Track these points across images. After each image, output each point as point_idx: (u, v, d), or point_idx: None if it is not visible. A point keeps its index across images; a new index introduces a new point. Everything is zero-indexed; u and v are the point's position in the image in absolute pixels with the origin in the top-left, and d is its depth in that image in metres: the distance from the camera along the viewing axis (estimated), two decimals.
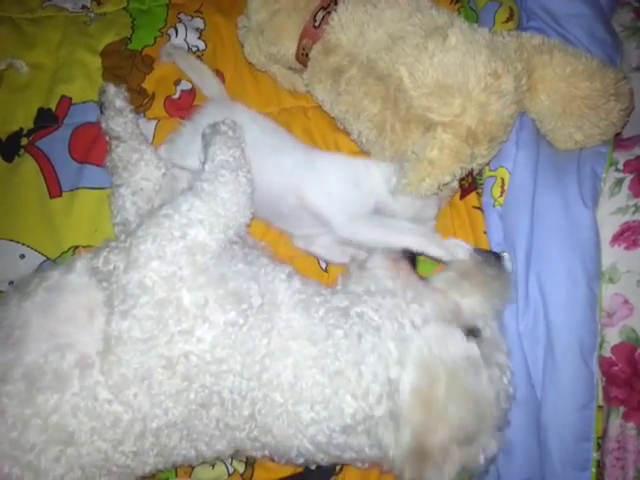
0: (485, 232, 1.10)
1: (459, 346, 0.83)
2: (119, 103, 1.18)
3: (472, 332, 0.89)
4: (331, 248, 1.11)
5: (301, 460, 0.90)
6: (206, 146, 1.03)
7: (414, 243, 0.98)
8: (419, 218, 1.07)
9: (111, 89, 1.20)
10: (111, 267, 0.89)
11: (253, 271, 0.93)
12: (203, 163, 1.01)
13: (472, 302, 0.92)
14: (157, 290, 0.85)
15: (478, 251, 0.98)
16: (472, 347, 0.83)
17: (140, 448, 0.87)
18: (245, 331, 0.86)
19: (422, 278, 0.97)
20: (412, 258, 0.99)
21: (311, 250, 1.12)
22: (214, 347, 0.84)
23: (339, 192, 1.05)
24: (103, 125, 1.19)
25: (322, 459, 0.89)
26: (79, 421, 0.84)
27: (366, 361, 0.84)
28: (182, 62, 1.29)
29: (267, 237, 1.17)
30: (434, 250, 0.97)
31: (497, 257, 0.97)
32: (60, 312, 0.90)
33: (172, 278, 0.86)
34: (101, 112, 1.20)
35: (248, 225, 1.00)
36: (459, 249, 0.97)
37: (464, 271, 0.94)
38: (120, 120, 1.17)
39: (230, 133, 1.04)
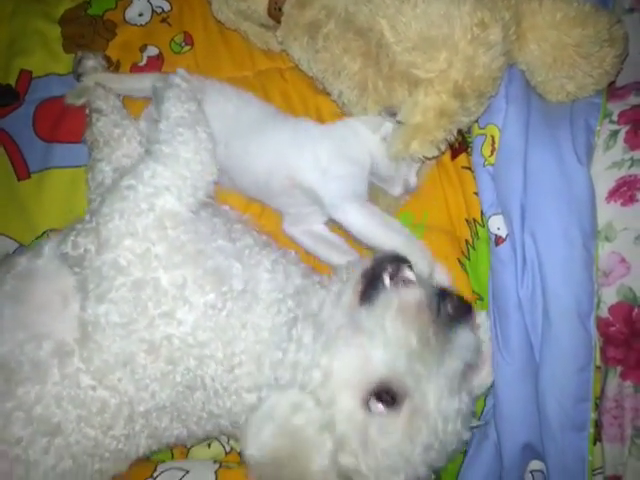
0: (476, 193, 1.06)
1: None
2: (99, 75, 1.12)
3: (381, 395, 0.75)
4: (318, 240, 1.07)
5: None
6: (158, 103, 0.97)
7: (401, 244, 0.92)
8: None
9: (89, 60, 1.14)
10: (81, 251, 0.85)
11: (236, 248, 0.89)
12: (157, 122, 0.94)
13: (393, 357, 0.75)
14: (132, 270, 0.81)
15: (447, 294, 0.79)
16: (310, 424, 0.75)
17: (131, 431, 0.85)
18: (224, 317, 0.83)
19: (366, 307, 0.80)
20: (373, 277, 0.82)
21: (298, 239, 1.08)
22: (195, 330, 0.82)
23: (332, 167, 1.00)
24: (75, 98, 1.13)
25: None
26: (64, 410, 0.82)
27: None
28: (111, 84, 1.14)
29: (249, 211, 1.11)
30: (418, 258, 0.89)
31: (466, 309, 0.79)
32: (32, 300, 0.87)
33: (147, 255, 0.82)
34: (78, 80, 1.14)
35: (215, 183, 0.93)
36: (440, 275, 0.93)
37: (409, 307, 0.77)
38: (101, 92, 1.11)
39: (183, 85, 0.98)
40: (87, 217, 0.89)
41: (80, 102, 1.14)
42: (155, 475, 0.97)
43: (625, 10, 1.17)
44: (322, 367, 0.78)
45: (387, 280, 0.81)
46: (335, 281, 0.90)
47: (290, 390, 0.79)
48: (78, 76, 1.15)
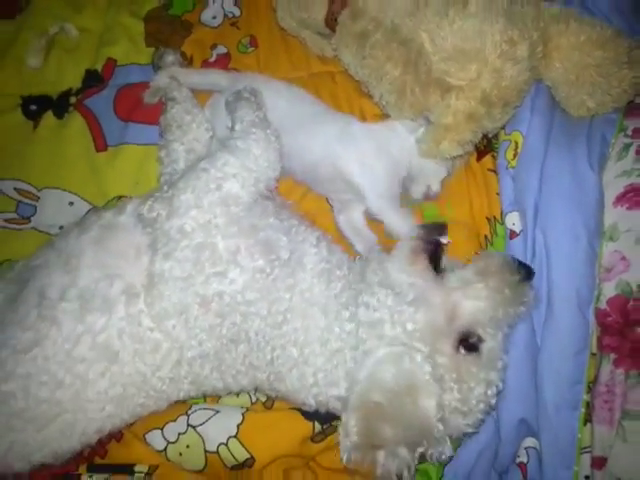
0: (498, 193, 1.16)
1: (406, 370, 0.84)
2: (174, 69, 1.28)
3: (466, 340, 0.87)
4: (357, 230, 1.18)
5: (307, 408, 0.98)
6: (232, 112, 1.12)
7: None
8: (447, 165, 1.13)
9: (169, 55, 1.32)
10: (154, 214, 0.99)
11: (284, 226, 1.01)
12: (232, 126, 1.10)
13: (476, 307, 0.88)
14: (195, 235, 0.95)
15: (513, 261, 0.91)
16: (420, 372, 0.84)
17: (176, 375, 0.97)
18: (271, 280, 0.94)
19: (439, 273, 0.93)
20: (434, 251, 0.95)
21: (341, 226, 1.19)
22: (244, 289, 0.93)
23: (373, 163, 1.12)
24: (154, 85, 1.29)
25: (324, 411, 0.97)
26: (123, 343, 0.94)
27: (360, 348, 0.90)
28: (180, 77, 1.29)
29: (295, 192, 1.24)
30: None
31: (527, 270, 0.91)
32: (112, 247, 1.01)
33: (208, 225, 0.95)
34: (155, 71, 1.31)
35: (277, 180, 1.07)
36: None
37: (484, 270, 0.90)
38: (175, 84, 1.27)
39: (252, 98, 1.13)
40: (165, 188, 1.02)
41: (156, 100, 1.30)
42: (189, 412, 1.09)
43: None
44: (414, 320, 0.87)
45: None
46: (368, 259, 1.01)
47: (393, 343, 0.87)
48: (157, 68, 1.32)
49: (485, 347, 0.87)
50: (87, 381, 0.94)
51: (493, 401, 0.87)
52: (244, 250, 0.95)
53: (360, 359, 0.89)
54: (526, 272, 0.90)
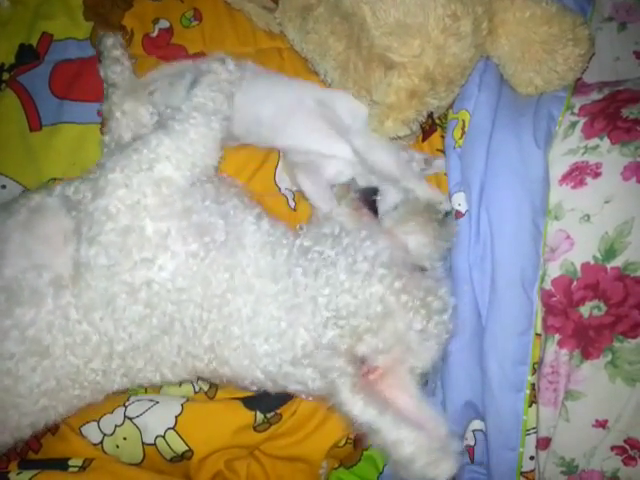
0: (446, 174, 1.14)
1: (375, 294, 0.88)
2: (115, 52, 1.21)
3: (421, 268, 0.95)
4: (322, 191, 1.12)
5: (254, 388, 0.96)
6: (193, 82, 1.06)
7: (416, 186, 1.04)
8: None
9: (109, 39, 1.23)
10: (80, 196, 0.94)
11: (221, 209, 0.97)
12: (183, 98, 1.04)
13: (417, 242, 0.98)
14: (121, 217, 0.90)
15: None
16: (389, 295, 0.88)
17: (108, 368, 0.93)
18: (207, 264, 0.90)
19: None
20: (373, 203, 1.05)
21: (303, 187, 1.13)
22: (175, 276, 0.89)
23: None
24: (101, 73, 1.21)
25: (270, 387, 0.95)
26: (53, 336, 0.90)
27: (321, 293, 0.89)
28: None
29: (243, 173, 1.19)
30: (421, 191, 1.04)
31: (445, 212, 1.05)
32: (39, 232, 0.95)
33: (136, 206, 0.90)
34: (99, 60, 1.23)
35: (216, 168, 1.03)
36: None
37: (412, 210, 1.01)
38: (117, 68, 1.20)
39: (222, 74, 1.07)
40: (93, 168, 0.98)
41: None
42: (127, 404, 1.05)
43: (604, 18, 1.25)
44: (373, 249, 0.92)
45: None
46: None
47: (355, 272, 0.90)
48: (99, 54, 1.22)
49: (431, 272, 0.96)
50: (17, 377, 0.90)
51: (449, 326, 0.92)
52: (175, 233, 0.90)
53: (335, 293, 0.88)
54: (447, 211, 1.03)
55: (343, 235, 0.95)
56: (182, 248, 0.90)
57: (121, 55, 1.21)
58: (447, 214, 1.04)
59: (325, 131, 1.09)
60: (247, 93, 1.11)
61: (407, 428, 0.80)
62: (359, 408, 0.82)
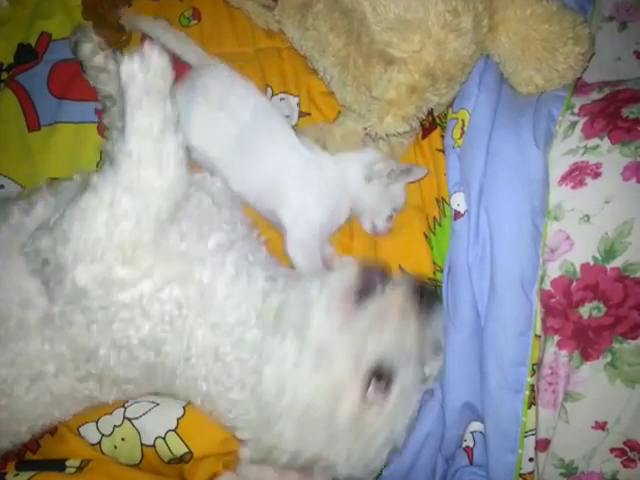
0: (446, 174, 1.14)
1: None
2: (97, 60, 1.18)
3: (379, 376, 0.78)
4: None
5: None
6: (125, 102, 0.84)
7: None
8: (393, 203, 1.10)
9: (85, 46, 1.18)
10: (41, 259, 0.86)
11: (200, 250, 0.88)
12: (123, 126, 0.85)
13: (382, 341, 0.79)
14: (91, 288, 0.82)
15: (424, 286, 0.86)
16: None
17: (103, 387, 0.93)
18: (181, 321, 0.85)
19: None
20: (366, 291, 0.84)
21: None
22: (153, 332, 0.85)
23: (312, 209, 1.05)
24: (91, 83, 1.19)
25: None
26: (44, 363, 0.89)
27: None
28: (150, 30, 1.19)
29: None
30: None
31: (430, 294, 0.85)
32: (21, 260, 0.90)
33: (104, 279, 0.82)
34: (83, 71, 1.20)
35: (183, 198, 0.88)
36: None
37: (388, 304, 0.82)
38: (104, 77, 1.17)
39: (148, 77, 0.82)
40: (54, 219, 0.86)
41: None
42: (126, 405, 1.03)
43: (605, 18, 1.24)
44: (316, 372, 0.79)
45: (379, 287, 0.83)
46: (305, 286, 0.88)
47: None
48: (81, 65, 1.19)
49: (396, 388, 0.78)
50: (12, 397, 0.90)
51: (385, 457, 0.82)
52: (149, 295, 0.84)
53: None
54: (429, 296, 0.84)
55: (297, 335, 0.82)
56: (157, 309, 0.84)
57: (104, 60, 1.17)
58: (430, 300, 0.84)
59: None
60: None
61: None
62: None
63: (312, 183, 1.07)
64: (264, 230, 1.06)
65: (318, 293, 0.83)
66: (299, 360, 0.80)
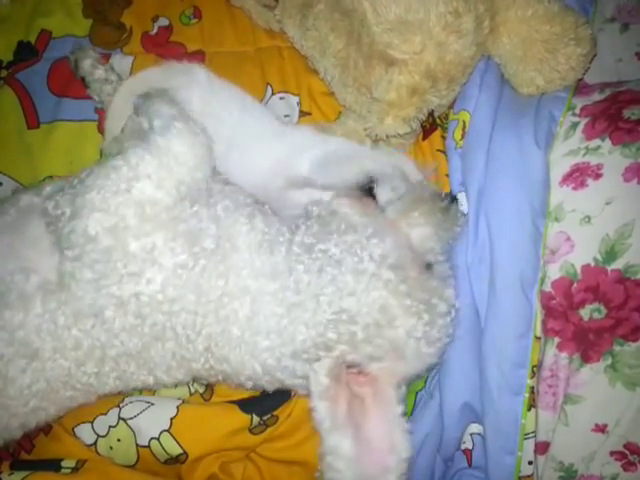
0: (447, 175, 1.13)
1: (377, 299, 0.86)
2: (99, 73, 1.18)
3: (427, 266, 0.92)
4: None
5: (249, 384, 0.94)
6: (146, 110, 0.98)
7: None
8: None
9: (85, 61, 1.18)
10: (59, 212, 0.89)
11: (211, 213, 0.93)
12: (150, 123, 0.95)
13: (421, 234, 0.93)
14: (101, 239, 0.85)
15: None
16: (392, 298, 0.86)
17: (101, 370, 0.92)
18: (197, 272, 0.87)
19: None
20: (370, 190, 0.99)
21: None
22: (165, 288, 0.86)
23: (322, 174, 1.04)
24: (94, 97, 1.19)
25: (267, 382, 0.93)
26: (42, 340, 0.88)
27: (324, 292, 0.87)
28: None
29: None
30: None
31: (452, 197, 1.00)
32: (26, 234, 0.93)
33: (115, 229, 0.85)
34: (85, 86, 1.20)
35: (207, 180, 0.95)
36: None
37: (416, 199, 0.95)
38: (108, 88, 1.18)
39: (163, 96, 1.00)
40: (75, 181, 0.92)
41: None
42: (121, 405, 1.04)
43: (606, 19, 1.24)
44: (380, 248, 0.89)
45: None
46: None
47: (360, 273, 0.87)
48: (82, 79, 1.20)
49: (437, 269, 0.93)
50: (7, 378, 0.88)
51: (451, 329, 0.90)
52: (162, 246, 0.86)
53: (338, 294, 0.86)
54: (452, 198, 0.99)
55: (350, 231, 0.91)
56: (170, 260, 0.86)
57: (105, 72, 1.18)
58: (452, 200, 0.99)
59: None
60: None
61: (345, 450, 0.80)
62: (320, 409, 0.82)
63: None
64: None
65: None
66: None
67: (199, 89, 1.10)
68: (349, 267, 0.87)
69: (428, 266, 0.93)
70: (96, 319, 0.87)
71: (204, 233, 0.90)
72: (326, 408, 0.82)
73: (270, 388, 0.95)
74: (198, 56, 1.27)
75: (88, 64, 1.18)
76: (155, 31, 1.31)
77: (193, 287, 0.87)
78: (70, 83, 1.27)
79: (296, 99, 1.24)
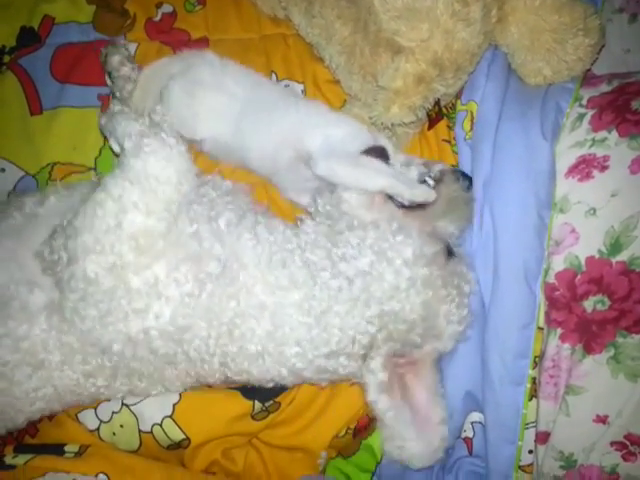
0: (453, 165, 1.12)
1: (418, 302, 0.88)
2: (124, 70, 1.17)
3: (450, 252, 0.94)
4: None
5: (271, 384, 0.94)
6: (112, 133, 0.97)
7: (387, 184, 0.95)
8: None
9: (114, 57, 1.17)
10: (55, 257, 0.87)
11: (213, 229, 0.90)
12: (120, 147, 0.93)
13: (444, 222, 0.96)
14: (102, 280, 0.83)
15: (451, 171, 1.00)
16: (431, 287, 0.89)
17: (111, 384, 0.92)
18: (206, 297, 0.85)
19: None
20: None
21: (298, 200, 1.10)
22: (174, 319, 0.84)
23: (336, 131, 1.03)
24: (113, 90, 1.17)
25: (291, 381, 0.93)
26: (49, 352, 0.87)
27: (359, 297, 0.87)
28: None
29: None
30: (406, 193, 0.94)
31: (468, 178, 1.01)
32: (31, 245, 0.91)
33: (114, 268, 0.83)
34: (109, 78, 1.19)
35: (193, 185, 0.92)
36: (428, 195, 0.97)
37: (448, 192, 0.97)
38: (129, 86, 1.16)
39: (126, 109, 1.03)
40: (65, 223, 0.88)
41: None
42: None
43: (615, 9, 1.23)
44: (409, 245, 0.89)
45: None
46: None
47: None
48: (109, 74, 1.18)
49: (457, 252, 0.96)
50: (13, 381, 0.88)
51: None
52: (164, 278, 0.84)
53: (375, 299, 0.87)
54: (469, 181, 1.00)
55: (367, 228, 0.90)
56: (176, 291, 0.84)
57: (130, 70, 1.17)
58: (469, 187, 1.00)
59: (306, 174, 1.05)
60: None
61: (411, 432, 0.87)
62: (382, 402, 0.87)
63: (330, 127, 1.04)
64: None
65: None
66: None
67: (211, 67, 1.10)
68: (382, 271, 0.88)
69: (449, 251, 0.94)
70: (105, 349, 0.86)
71: (208, 255, 0.87)
72: (387, 399, 0.87)
73: (290, 384, 0.96)
74: (202, 43, 1.26)
75: (117, 60, 1.17)
76: (159, 18, 1.29)
77: (203, 313, 0.86)
78: (74, 69, 1.25)
79: (301, 87, 1.23)
